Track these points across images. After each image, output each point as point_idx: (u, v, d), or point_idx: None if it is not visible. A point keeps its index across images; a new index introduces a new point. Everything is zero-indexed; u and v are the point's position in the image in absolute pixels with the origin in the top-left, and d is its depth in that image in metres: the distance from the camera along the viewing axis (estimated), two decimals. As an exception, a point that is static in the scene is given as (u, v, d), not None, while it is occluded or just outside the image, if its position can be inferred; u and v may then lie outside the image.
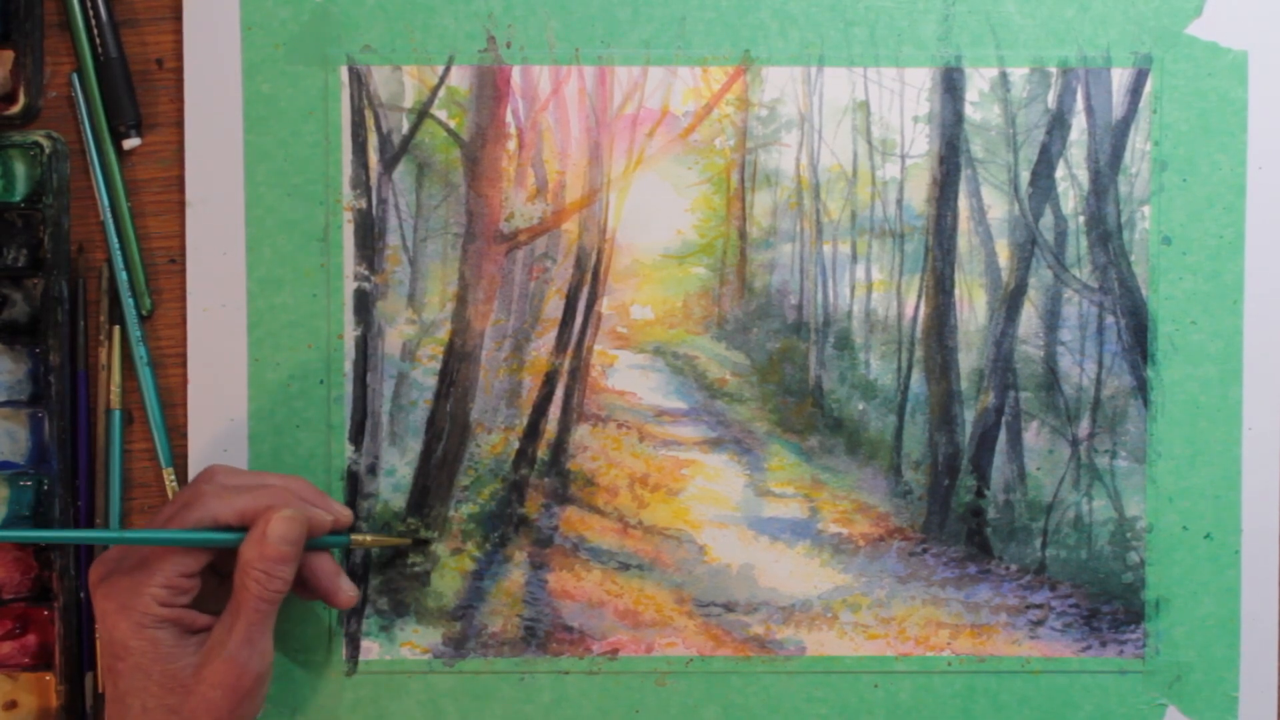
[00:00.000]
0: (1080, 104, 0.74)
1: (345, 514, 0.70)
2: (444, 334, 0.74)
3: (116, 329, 0.74)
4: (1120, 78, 0.74)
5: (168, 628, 0.65)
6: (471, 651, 0.74)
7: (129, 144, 0.73)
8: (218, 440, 0.73)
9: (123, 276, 0.73)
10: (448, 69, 0.74)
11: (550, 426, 0.75)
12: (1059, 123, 0.74)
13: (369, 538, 0.72)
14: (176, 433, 0.74)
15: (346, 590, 0.70)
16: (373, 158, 0.74)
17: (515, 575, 0.74)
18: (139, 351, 0.73)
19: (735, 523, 0.75)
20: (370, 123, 0.74)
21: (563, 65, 0.74)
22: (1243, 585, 0.74)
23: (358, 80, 0.73)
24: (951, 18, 0.74)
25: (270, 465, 0.73)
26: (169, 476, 0.74)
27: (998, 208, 0.74)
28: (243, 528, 0.66)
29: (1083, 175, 0.74)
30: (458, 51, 0.74)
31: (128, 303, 0.73)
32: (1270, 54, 0.73)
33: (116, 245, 0.73)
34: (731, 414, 0.75)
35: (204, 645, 0.65)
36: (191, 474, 0.73)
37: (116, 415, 0.73)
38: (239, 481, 0.67)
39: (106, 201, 0.73)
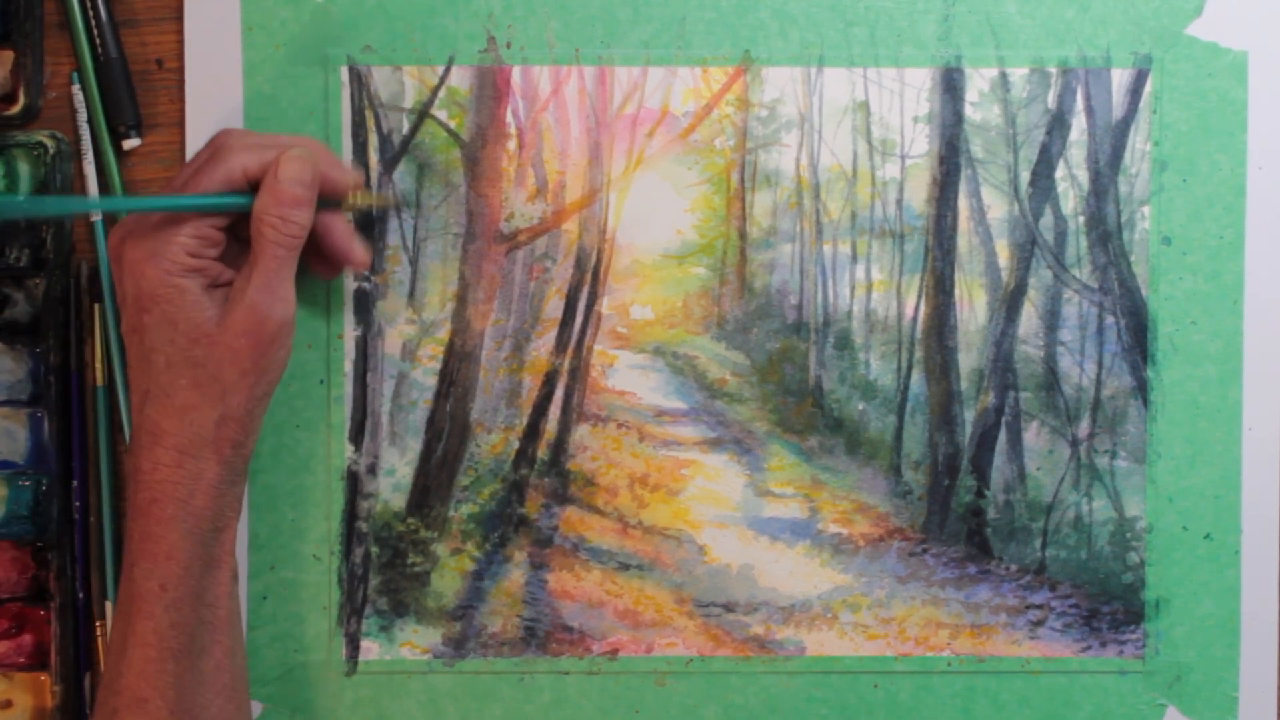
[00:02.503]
0: (1080, 104, 0.74)
1: (357, 177, 0.71)
2: (444, 334, 0.74)
3: (97, 307, 0.73)
4: (1120, 78, 0.74)
5: (195, 278, 0.65)
6: (471, 651, 0.74)
7: (129, 144, 0.73)
8: (217, 440, 0.73)
9: (107, 277, 0.73)
10: (448, 69, 0.74)
11: (550, 426, 0.74)
12: (1059, 123, 0.74)
13: (361, 196, 0.71)
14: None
15: (360, 249, 0.70)
16: (373, 158, 0.74)
17: (515, 575, 0.74)
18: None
19: (735, 523, 0.75)
20: (370, 123, 0.74)
21: (563, 65, 0.74)
22: (1243, 585, 0.74)
23: (358, 80, 0.73)
24: (951, 18, 0.74)
25: (270, 466, 0.73)
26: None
27: (998, 208, 0.74)
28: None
29: (1083, 175, 0.74)
30: (458, 52, 0.74)
31: (109, 304, 0.73)
32: (1270, 54, 0.73)
33: (104, 246, 0.73)
34: (731, 414, 0.75)
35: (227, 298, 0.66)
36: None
37: (100, 392, 0.73)
38: (258, 140, 0.67)
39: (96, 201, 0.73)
